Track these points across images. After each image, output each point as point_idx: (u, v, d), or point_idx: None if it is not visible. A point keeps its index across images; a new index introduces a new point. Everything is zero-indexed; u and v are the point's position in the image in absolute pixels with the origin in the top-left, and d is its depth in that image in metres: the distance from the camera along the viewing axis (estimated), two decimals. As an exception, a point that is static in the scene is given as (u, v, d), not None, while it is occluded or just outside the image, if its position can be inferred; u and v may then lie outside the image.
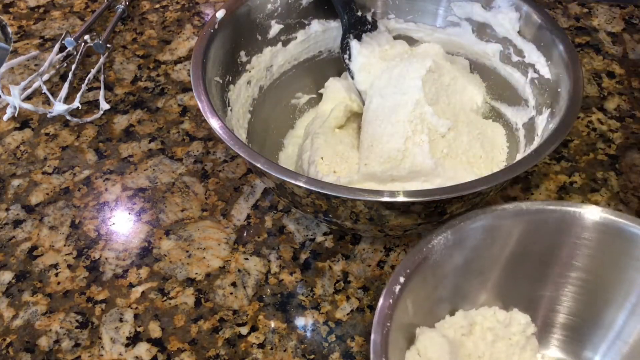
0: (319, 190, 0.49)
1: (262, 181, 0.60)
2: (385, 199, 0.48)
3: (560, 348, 0.53)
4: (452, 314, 0.51)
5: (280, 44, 0.65)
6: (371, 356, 0.43)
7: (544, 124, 0.58)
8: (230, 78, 0.61)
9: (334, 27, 0.67)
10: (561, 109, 0.55)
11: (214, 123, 0.53)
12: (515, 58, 0.63)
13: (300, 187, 0.49)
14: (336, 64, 0.68)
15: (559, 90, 0.57)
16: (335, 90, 0.66)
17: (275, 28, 0.64)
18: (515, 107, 0.63)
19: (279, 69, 0.66)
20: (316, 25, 0.67)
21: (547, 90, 0.59)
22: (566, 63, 0.57)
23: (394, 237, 0.61)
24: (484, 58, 0.66)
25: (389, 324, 0.44)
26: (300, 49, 0.67)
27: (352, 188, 0.50)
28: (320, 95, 0.68)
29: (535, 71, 0.61)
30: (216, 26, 0.59)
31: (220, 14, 0.60)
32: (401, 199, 0.48)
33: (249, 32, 0.63)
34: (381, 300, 0.45)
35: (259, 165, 0.50)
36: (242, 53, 0.62)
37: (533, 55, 0.61)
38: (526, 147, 0.60)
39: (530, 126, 0.60)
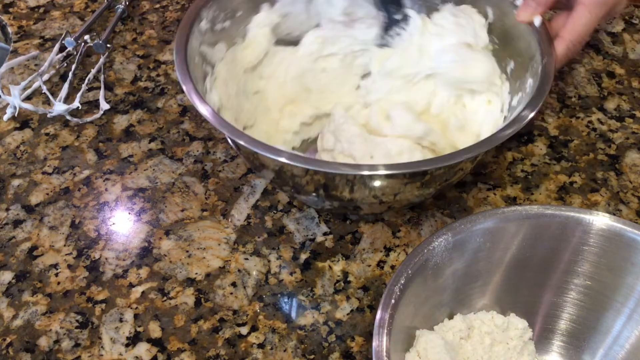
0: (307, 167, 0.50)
1: (262, 176, 0.60)
2: (365, 172, 0.50)
3: (560, 354, 0.53)
4: (450, 317, 0.51)
5: None
6: (373, 359, 0.43)
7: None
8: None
9: None
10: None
11: (204, 110, 0.53)
12: None
13: (298, 166, 0.50)
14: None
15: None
16: None
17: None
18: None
19: None
20: None
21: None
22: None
23: (391, 214, 0.61)
24: None
25: (390, 326, 0.44)
26: None
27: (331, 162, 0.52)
28: None
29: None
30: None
31: None
32: (381, 172, 0.50)
33: None
34: (382, 301, 0.45)
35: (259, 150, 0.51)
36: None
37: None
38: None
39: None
